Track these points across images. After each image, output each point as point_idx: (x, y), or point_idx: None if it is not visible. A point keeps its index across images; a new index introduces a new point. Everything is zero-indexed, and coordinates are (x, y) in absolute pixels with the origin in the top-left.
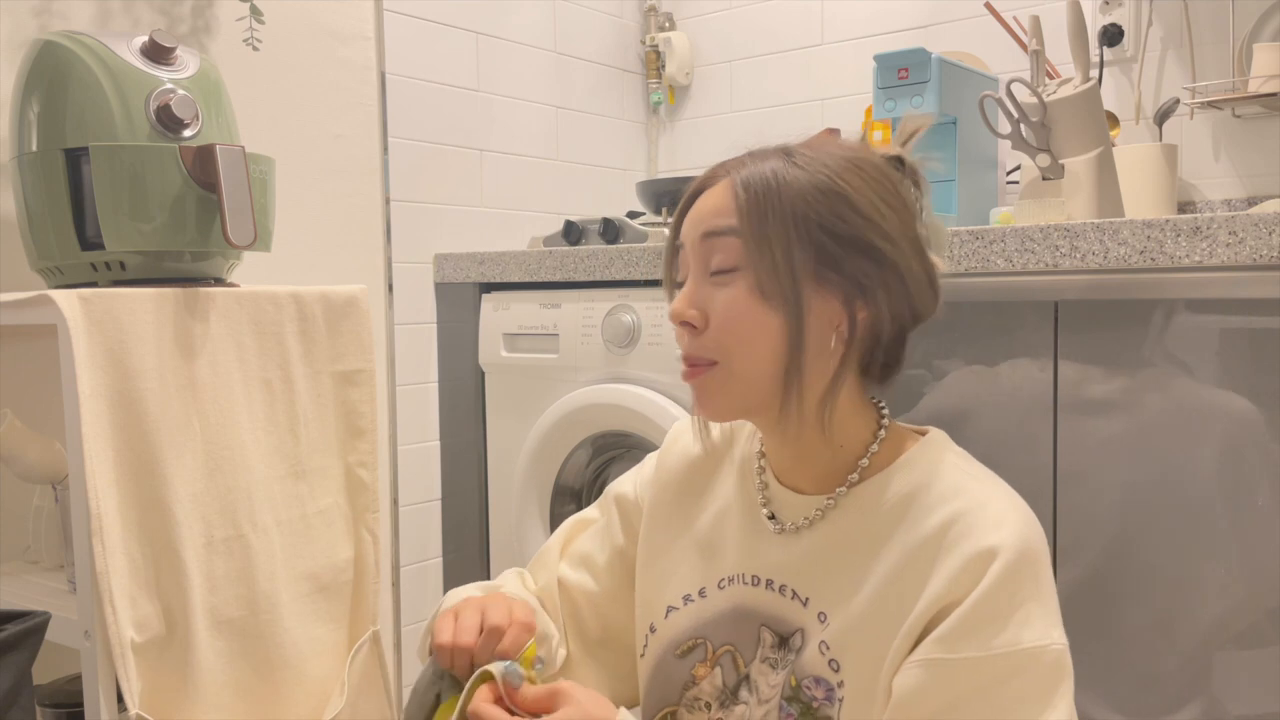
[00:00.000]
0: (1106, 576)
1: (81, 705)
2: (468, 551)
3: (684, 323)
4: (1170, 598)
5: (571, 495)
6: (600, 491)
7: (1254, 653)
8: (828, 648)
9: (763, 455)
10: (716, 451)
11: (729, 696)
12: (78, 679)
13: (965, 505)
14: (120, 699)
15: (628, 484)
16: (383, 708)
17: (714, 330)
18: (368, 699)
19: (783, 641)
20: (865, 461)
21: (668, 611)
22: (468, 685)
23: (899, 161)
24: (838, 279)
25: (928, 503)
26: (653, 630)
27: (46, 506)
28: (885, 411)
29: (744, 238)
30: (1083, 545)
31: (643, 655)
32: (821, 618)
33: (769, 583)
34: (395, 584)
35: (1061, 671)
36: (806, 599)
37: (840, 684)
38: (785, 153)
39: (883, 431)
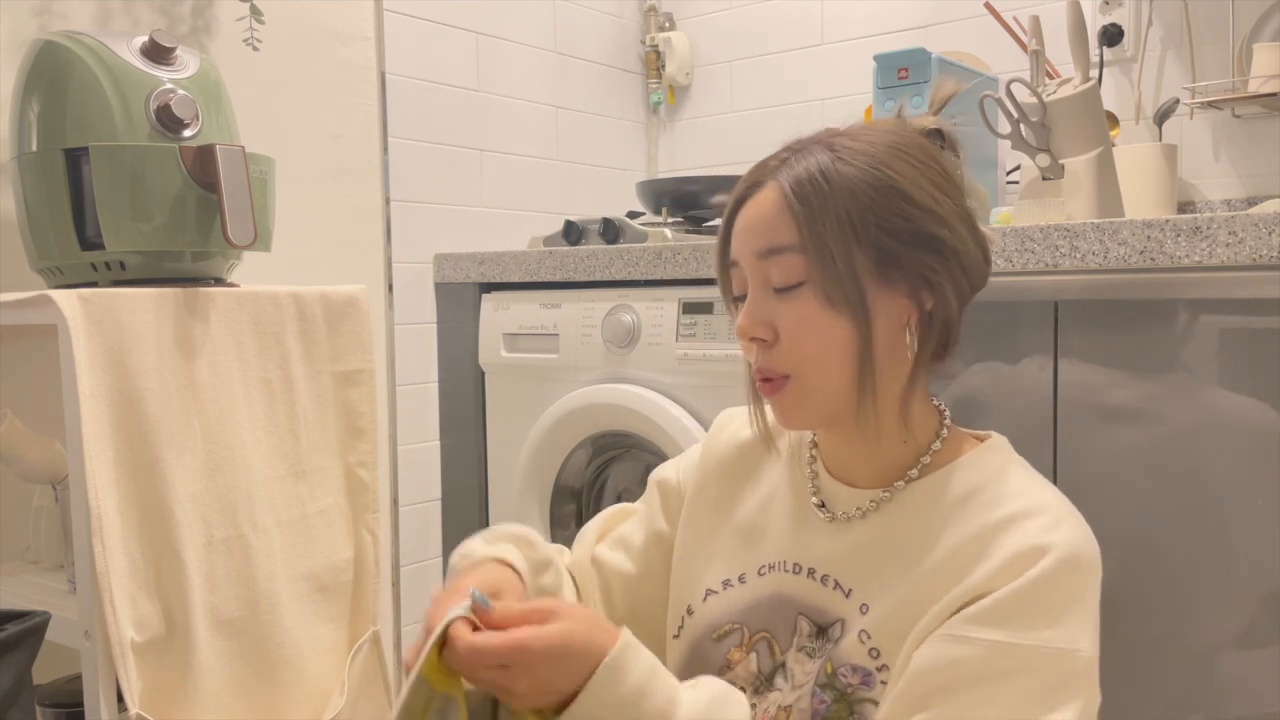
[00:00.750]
0: (1106, 576)
1: (81, 705)
2: None
3: (753, 338)
4: (1171, 598)
5: (571, 495)
6: (601, 491)
7: (1256, 652)
8: (868, 636)
9: (814, 445)
10: (767, 438)
11: (764, 683)
12: (78, 679)
13: (1024, 506)
14: (120, 699)
15: (670, 469)
16: (383, 708)
17: (785, 344)
18: (368, 699)
19: (821, 631)
20: (927, 459)
21: (706, 595)
22: (430, 642)
23: (939, 134)
24: (902, 275)
25: (985, 501)
26: (690, 612)
27: (46, 506)
28: (947, 412)
29: (804, 252)
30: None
31: (677, 636)
32: (864, 609)
33: (811, 571)
34: (395, 584)
35: (1080, 681)
36: (850, 590)
37: (881, 668)
38: (828, 146)
39: (945, 430)
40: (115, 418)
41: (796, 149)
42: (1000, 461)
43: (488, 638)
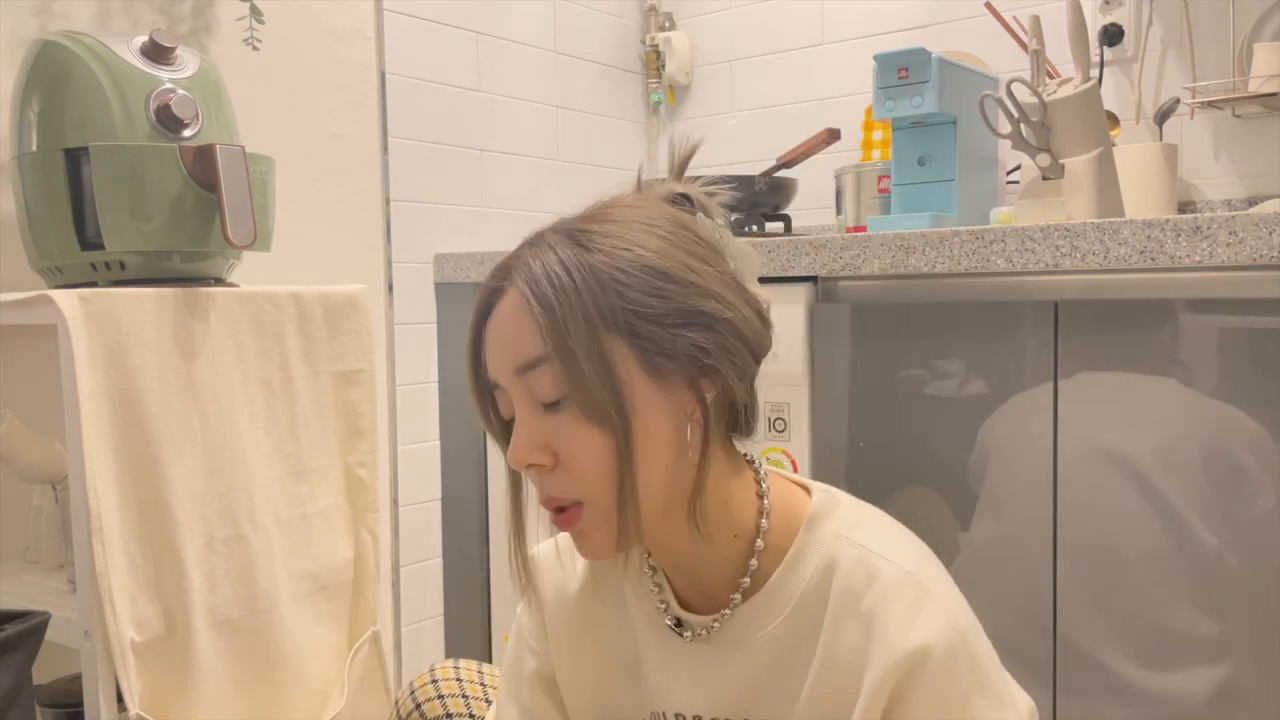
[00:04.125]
0: (1106, 576)
1: (81, 705)
2: (468, 551)
3: (530, 465)
4: (1171, 598)
5: None
6: None
7: (1258, 651)
8: None
9: (652, 568)
10: (529, 589)
11: None
12: (78, 679)
13: (877, 597)
14: (120, 699)
15: (520, 617)
16: (383, 708)
17: (566, 467)
18: (368, 699)
19: None
20: (760, 543)
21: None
22: None
23: (685, 199)
24: (674, 366)
25: (837, 598)
26: None
27: (46, 506)
28: (761, 470)
29: (552, 363)
30: (1082, 546)
31: None
32: None
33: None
34: (395, 584)
35: None
36: None
37: None
38: (568, 235)
39: (766, 503)
40: (115, 418)
41: (534, 243)
42: (833, 531)
43: None
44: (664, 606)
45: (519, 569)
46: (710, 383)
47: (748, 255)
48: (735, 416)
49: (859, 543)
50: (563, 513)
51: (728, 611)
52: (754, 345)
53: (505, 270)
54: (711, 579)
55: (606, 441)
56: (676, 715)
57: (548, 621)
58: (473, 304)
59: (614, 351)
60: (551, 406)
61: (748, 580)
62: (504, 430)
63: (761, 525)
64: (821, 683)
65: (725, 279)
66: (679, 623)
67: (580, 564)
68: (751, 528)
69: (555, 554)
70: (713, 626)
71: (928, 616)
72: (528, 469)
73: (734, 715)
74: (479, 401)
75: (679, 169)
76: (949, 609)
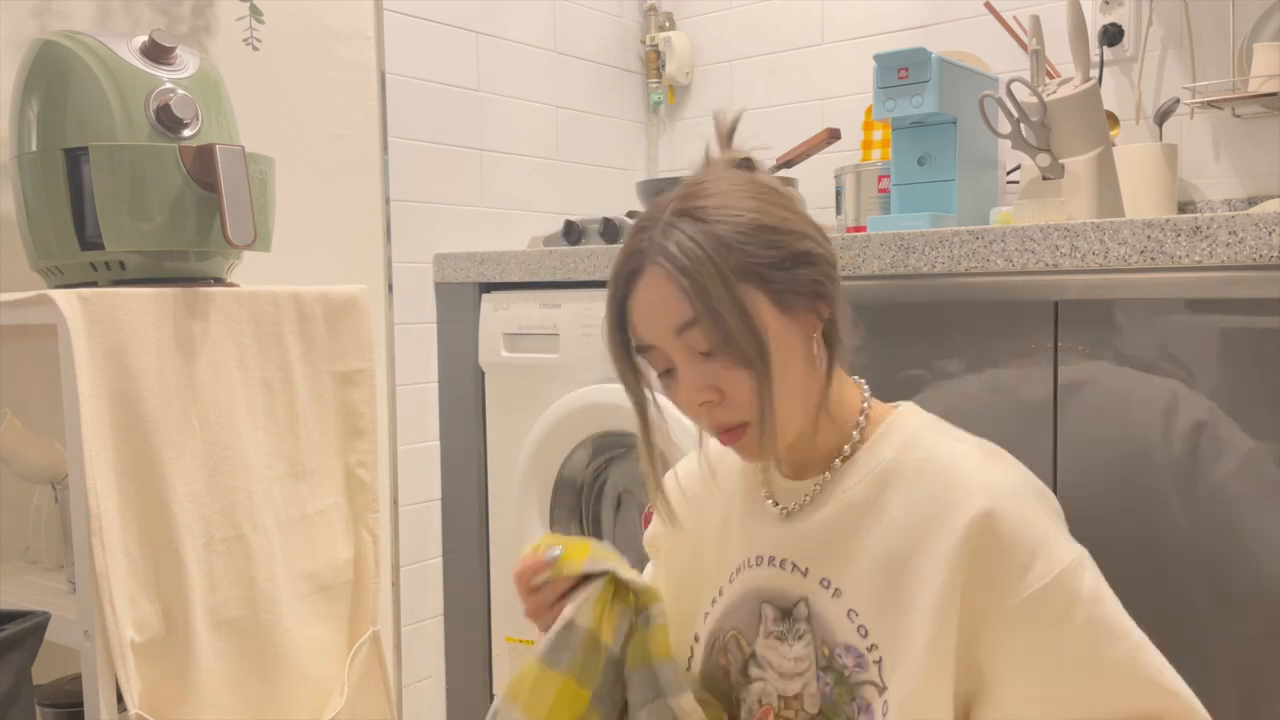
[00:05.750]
0: (1106, 576)
1: (81, 705)
2: (468, 551)
3: (703, 403)
4: (1171, 598)
5: (571, 495)
6: (600, 491)
7: (1260, 651)
8: (856, 614)
9: None
10: (716, 463)
11: (741, 677)
12: (78, 679)
13: (945, 466)
14: (120, 699)
15: (654, 527)
16: (383, 708)
17: (729, 400)
18: (367, 699)
19: (785, 614)
20: (856, 434)
21: (704, 617)
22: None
23: (748, 162)
24: (798, 299)
25: (911, 468)
26: (696, 639)
27: (46, 506)
28: (866, 388)
29: (702, 322)
30: (1081, 545)
31: (689, 668)
32: (825, 583)
33: (770, 559)
34: (395, 584)
35: (1087, 565)
36: (806, 569)
37: (871, 648)
38: (688, 214)
39: (867, 404)
40: (115, 418)
41: (650, 226)
42: (910, 425)
43: None
44: (767, 489)
45: (658, 492)
46: (824, 304)
47: (795, 193)
48: (835, 330)
49: (939, 429)
50: (730, 432)
51: (827, 475)
52: (837, 266)
53: (638, 252)
54: (813, 456)
55: (756, 375)
56: (755, 558)
57: (681, 514)
58: (611, 284)
59: (749, 300)
60: (707, 355)
61: (848, 449)
62: (636, 383)
63: (864, 407)
64: (896, 546)
65: (805, 217)
66: (775, 501)
67: (701, 475)
68: (850, 421)
69: (675, 479)
70: (804, 502)
71: (999, 468)
72: (700, 406)
73: (797, 560)
74: (622, 363)
75: (727, 137)
76: (1018, 468)
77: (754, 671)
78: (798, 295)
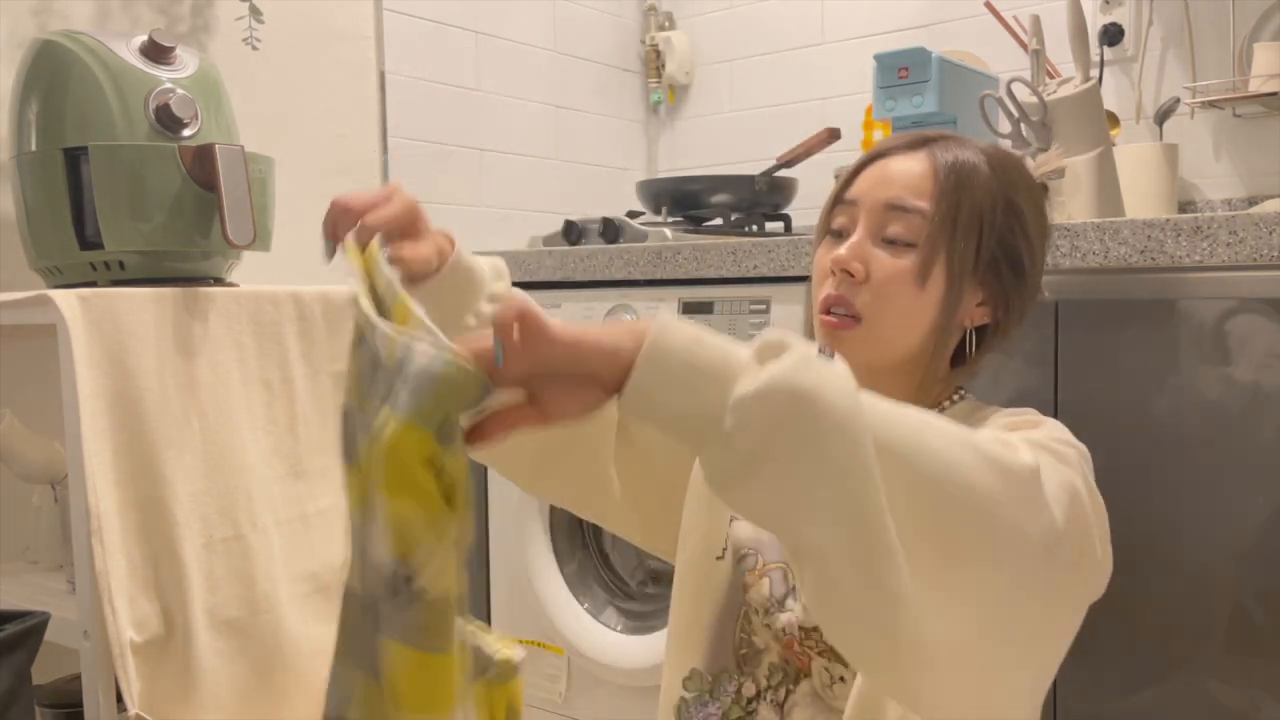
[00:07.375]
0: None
1: (81, 705)
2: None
3: (845, 271)
4: (1171, 597)
5: None
6: None
7: (1260, 649)
8: None
9: None
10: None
11: (775, 605)
12: (78, 679)
13: (991, 413)
14: (120, 699)
15: None
16: None
17: (872, 288)
18: None
19: None
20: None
21: (731, 519)
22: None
23: (1044, 188)
24: (992, 284)
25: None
26: (727, 540)
27: (46, 506)
28: (963, 390)
29: (934, 224)
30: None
31: (720, 558)
32: None
33: None
34: None
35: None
36: None
37: None
38: (982, 151)
39: (958, 394)
40: (114, 418)
41: (945, 137)
42: (987, 405)
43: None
44: None
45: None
46: (993, 310)
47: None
48: (989, 335)
49: (1008, 411)
50: (837, 319)
51: None
52: (1029, 308)
53: (922, 140)
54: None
55: (926, 295)
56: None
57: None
58: (879, 145)
59: (976, 246)
60: (891, 243)
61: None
62: (828, 240)
63: (955, 397)
64: None
65: (1043, 256)
66: None
67: None
68: (942, 401)
69: None
70: None
71: (1036, 418)
72: (840, 272)
73: None
74: (826, 212)
75: (1045, 175)
76: (1060, 424)
77: (789, 603)
78: (996, 282)
